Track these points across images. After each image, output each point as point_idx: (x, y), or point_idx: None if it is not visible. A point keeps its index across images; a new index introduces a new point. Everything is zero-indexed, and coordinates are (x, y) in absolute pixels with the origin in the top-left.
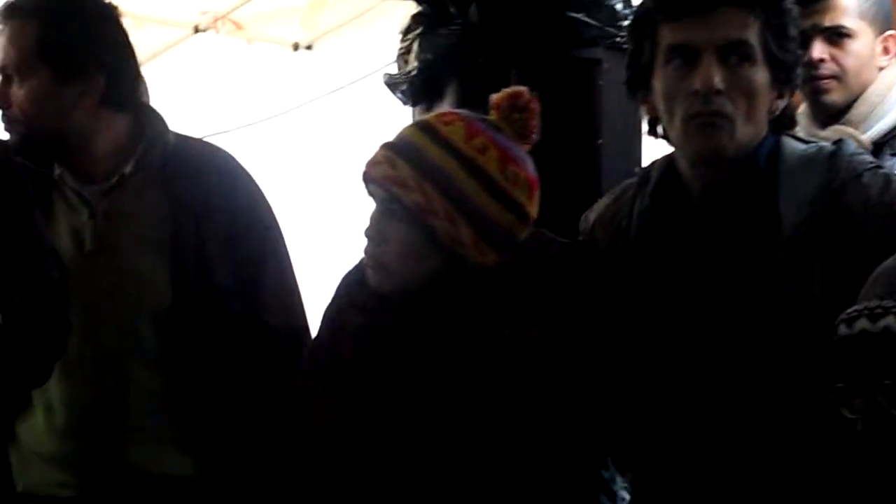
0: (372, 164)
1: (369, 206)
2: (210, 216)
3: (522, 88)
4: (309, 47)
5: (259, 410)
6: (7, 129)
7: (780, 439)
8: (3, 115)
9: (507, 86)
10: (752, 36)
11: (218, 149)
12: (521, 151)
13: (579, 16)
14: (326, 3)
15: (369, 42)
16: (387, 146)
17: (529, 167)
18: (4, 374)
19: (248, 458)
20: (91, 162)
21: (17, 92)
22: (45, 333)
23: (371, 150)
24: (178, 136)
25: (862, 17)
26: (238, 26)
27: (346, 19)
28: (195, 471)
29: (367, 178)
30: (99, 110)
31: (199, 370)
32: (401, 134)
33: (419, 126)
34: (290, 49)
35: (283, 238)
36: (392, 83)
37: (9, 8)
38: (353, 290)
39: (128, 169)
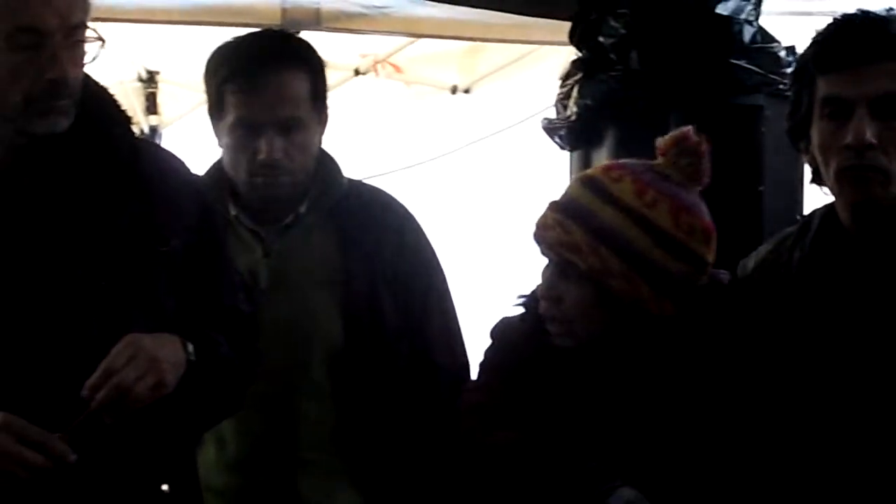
0: (543, 227)
1: (523, 248)
2: (380, 258)
3: (688, 130)
4: (467, 91)
5: (424, 448)
6: (270, 179)
7: None
8: (274, 164)
9: (666, 132)
10: None
11: (387, 193)
12: (693, 197)
13: (741, 62)
14: (485, 47)
15: (526, 86)
16: (556, 208)
17: (703, 214)
18: (200, 407)
19: (413, 494)
20: (273, 202)
21: (295, 140)
22: (239, 365)
23: (530, 197)
24: (349, 179)
25: None
26: (397, 69)
27: (504, 63)
28: None
29: (539, 241)
30: None
31: (367, 406)
32: (569, 193)
33: (587, 184)
34: (449, 92)
35: (446, 279)
36: (550, 128)
37: (280, 57)
38: (524, 343)
39: (302, 209)
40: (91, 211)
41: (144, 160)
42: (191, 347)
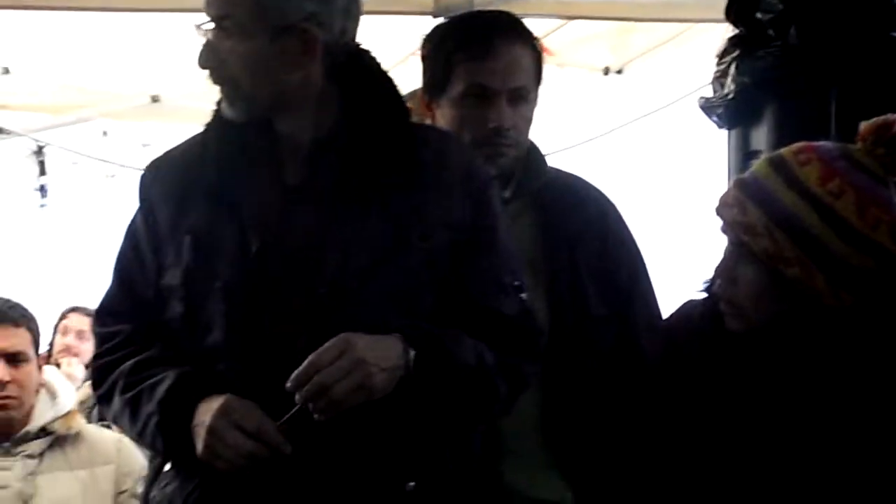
0: (723, 204)
1: (677, 229)
2: (584, 245)
3: (891, 118)
4: (619, 71)
5: (632, 436)
6: (497, 149)
7: None
8: (503, 133)
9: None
10: None
11: (586, 179)
12: (884, 191)
13: None
14: (637, 27)
15: (680, 65)
16: (739, 186)
17: (893, 208)
18: (436, 412)
19: (619, 486)
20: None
21: (523, 112)
22: (495, 372)
23: (686, 178)
24: (551, 167)
25: None
26: (549, 52)
27: (657, 43)
28: (570, 497)
29: (719, 217)
30: None
31: (573, 394)
32: (754, 172)
33: (773, 164)
34: (601, 73)
35: (646, 265)
36: (708, 107)
37: (512, 30)
38: (699, 324)
39: (507, 193)
40: (362, 199)
41: (423, 146)
42: (412, 354)
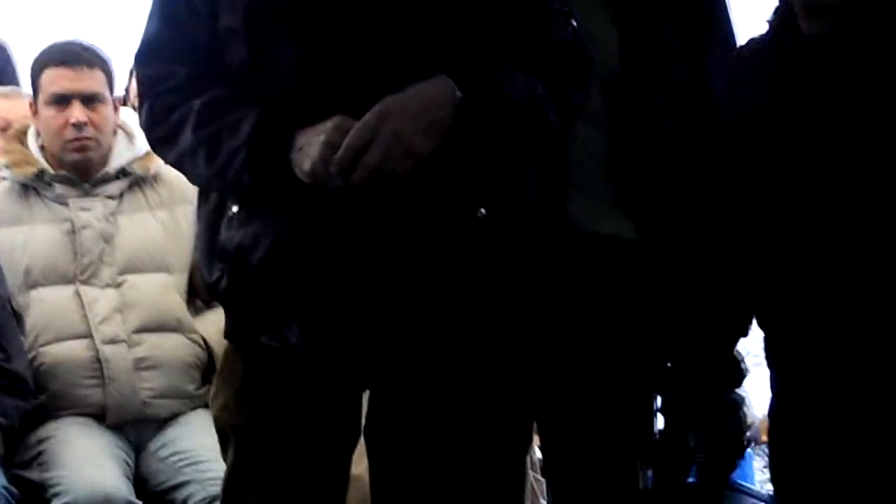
0: None
1: None
2: None
3: None
4: None
5: (695, 177)
6: None
7: None
8: None
9: None
10: None
11: None
12: None
13: None
14: None
15: None
16: None
17: None
18: (497, 146)
19: (686, 224)
20: None
21: None
22: (552, 104)
23: None
24: None
25: None
26: None
27: None
28: (635, 234)
29: None
30: None
31: (642, 132)
32: None
33: None
34: None
35: (727, 6)
36: None
37: None
38: (773, 40)
39: None
40: None
41: None
42: (456, 90)
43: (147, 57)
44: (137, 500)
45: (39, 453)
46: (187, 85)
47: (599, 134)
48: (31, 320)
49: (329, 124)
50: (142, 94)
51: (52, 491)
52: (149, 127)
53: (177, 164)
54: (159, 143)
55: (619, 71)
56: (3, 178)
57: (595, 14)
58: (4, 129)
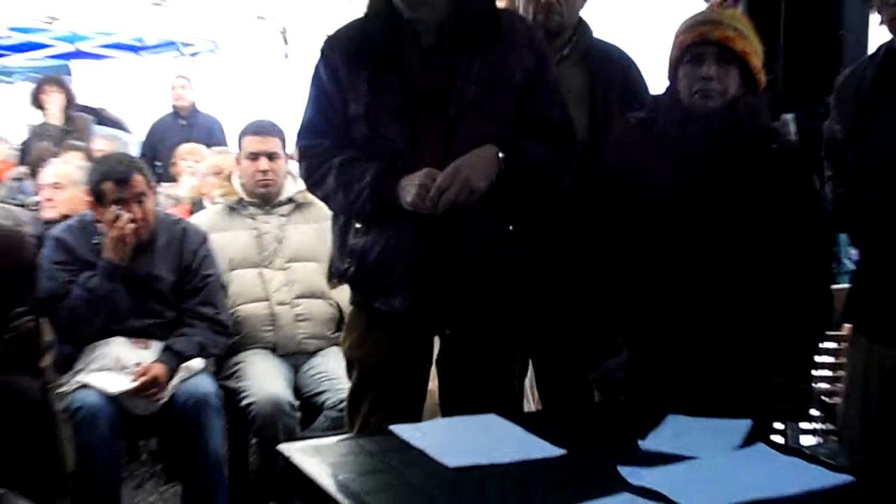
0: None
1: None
2: (613, 85)
3: None
4: None
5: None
6: (546, 15)
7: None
8: (550, 7)
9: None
10: None
11: (617, 45)
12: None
13: None
14: None
15: None
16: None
17: None
18: (526, 185)
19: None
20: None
21: None
22: (551, 160)
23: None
24: (595, 37)
25: None
26: None
27: None
28: None
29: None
30: None
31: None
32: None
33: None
34: None
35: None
36: None
37: None
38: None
39: (566, 51)
40: (470, 54)
41: (504, 20)
42: (499, 152)
43: (304, 133)
44: (295, 401)
45: (235, 371)
46: (328, 150)
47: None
48: (231, 290)
49: (421, 173)
50: (301, 156)
51: (242, 395)
52: (306, 176)
53: (323, 199)
54: (312, 186)
55: (589, 140)
56: (217, 203)
57: (576, 108)
58: (218, 173)
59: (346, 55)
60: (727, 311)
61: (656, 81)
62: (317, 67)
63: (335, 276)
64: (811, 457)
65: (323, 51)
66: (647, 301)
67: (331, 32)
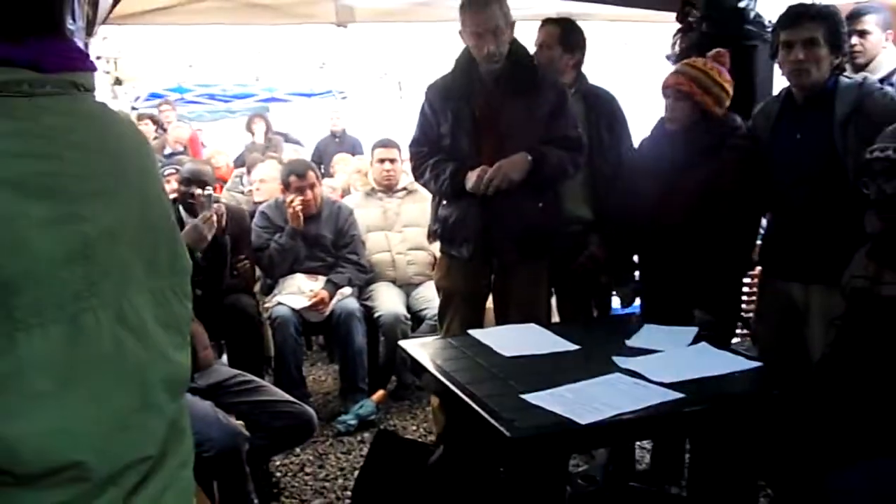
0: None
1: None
2: (603, 117)
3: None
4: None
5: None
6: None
7: None
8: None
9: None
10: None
11: (605, 88)
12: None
13: (749, 27)
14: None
15: (657, 40)
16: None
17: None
18: (546, 178)
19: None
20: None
21: None
22: (566, 162)
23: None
24: (589, 82)
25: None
26: None
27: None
28: (592, 216)
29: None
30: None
31: (599, 172)
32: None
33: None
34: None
35: (628, 127)
36: (668, 56)
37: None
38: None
39: (572, 91)
40: (518, 96)
41: (539, 72)
42: (529, 157)
43: (412, 144)
44: (407, 314)
45: (370, 295)
46: (426, 155)
47: (580, 173)
48: (368, 245)
49: (478, 169)
50: (410, 159)
51: (374, 310)
52: (413, 171)
53: (423, 185)
54: (416, 177)
55: (588, 149)
56: (358, 190)
57: (582, 126)
58: (359, 172)
59: (438, 95)
60: (700, 255)
61: (633, 113)
62: (423, 104)
63: (430, 234)
64: (736, 351)
65: (426, 94)
66: (652, 247)
67: (430, 82)
